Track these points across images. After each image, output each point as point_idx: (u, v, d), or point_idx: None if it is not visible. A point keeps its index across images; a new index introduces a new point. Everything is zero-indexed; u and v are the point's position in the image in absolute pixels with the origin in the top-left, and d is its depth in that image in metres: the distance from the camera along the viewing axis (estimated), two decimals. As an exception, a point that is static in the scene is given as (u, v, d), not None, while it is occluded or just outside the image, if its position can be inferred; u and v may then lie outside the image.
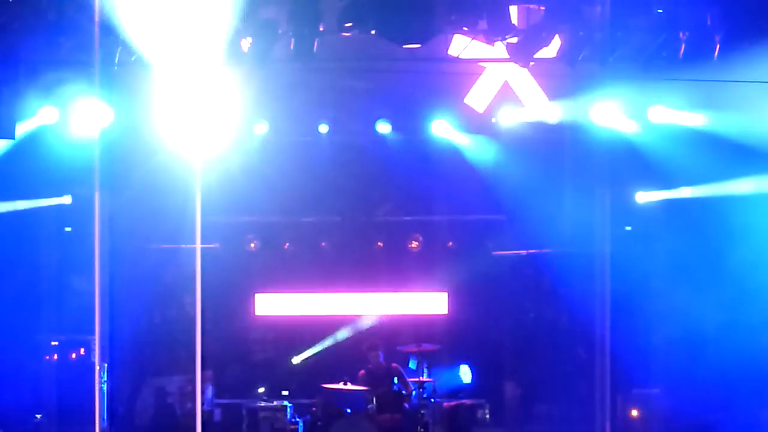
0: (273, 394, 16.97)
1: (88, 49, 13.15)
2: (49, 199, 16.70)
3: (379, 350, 16.44)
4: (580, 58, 13.94)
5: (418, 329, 17.46)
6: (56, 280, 16.91)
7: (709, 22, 13.51)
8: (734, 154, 14.88)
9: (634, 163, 16.23)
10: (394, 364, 16.31)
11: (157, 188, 16.51)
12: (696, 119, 15.47)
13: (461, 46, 14.74)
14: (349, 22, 13.45)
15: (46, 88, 15.12)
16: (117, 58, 14.17)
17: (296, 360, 17.98)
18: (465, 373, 17.28)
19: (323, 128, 16.69)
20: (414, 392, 15.79)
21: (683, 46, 13.71)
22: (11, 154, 15.03)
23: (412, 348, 16.02)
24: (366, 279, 18.14)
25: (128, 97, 15.52)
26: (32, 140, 15.30)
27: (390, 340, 16.89)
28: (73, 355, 16.76)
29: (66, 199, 16.90)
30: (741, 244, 15.03)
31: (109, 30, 13.14)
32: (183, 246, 17.71)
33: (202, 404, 16.65)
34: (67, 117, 15.39)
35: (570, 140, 16.77)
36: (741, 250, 15.03)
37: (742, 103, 14.31)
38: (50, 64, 14.51)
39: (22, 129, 14.44)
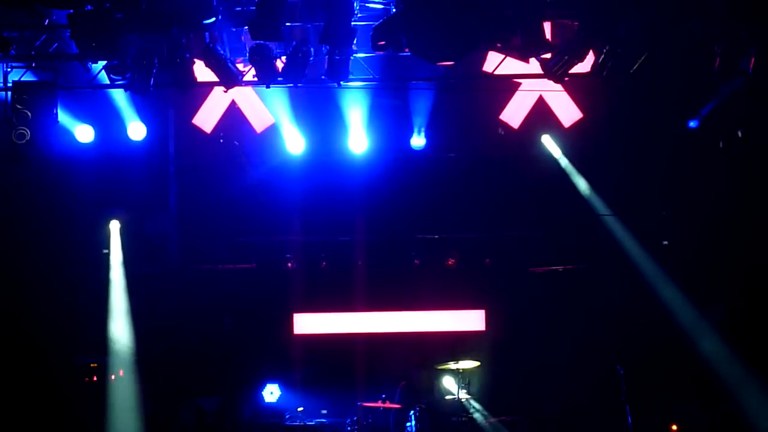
0: (312, 412, 16.97)
1: None
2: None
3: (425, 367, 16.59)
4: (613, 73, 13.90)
5: (456, 346, 17.39)
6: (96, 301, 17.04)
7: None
8: None
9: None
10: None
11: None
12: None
13: (495, 62, 14.71)
14: (383, 41, 13.44)
15: None
16: None
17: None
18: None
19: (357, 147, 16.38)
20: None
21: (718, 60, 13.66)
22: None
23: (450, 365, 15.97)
24: (403, 297, 18.12)
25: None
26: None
27: (428, 357, 16.89)
28: (113, 377, 16.82)
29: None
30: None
31: None
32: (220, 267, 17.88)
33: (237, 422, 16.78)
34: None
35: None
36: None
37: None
38: None
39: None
